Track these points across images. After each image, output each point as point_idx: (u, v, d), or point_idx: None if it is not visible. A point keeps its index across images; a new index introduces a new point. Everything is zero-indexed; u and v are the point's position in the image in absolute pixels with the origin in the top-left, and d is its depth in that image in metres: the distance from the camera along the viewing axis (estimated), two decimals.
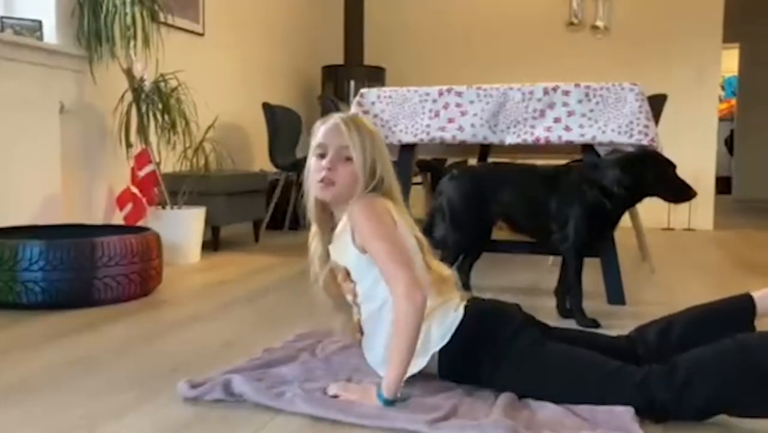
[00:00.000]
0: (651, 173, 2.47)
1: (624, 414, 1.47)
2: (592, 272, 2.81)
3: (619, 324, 2.43)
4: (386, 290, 1.62)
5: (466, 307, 1.71)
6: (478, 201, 2.66)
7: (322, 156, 1.69)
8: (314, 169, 1.69)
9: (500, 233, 2.80)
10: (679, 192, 2.51)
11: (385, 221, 1.65)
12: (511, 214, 2.66)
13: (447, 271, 1.80)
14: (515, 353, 1.64)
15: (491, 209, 2.65)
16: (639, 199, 2.57)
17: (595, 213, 2.52)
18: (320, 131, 1.71)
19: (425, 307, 1.56)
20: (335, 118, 1.71)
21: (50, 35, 3.45)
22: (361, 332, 1.78)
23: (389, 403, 1.54)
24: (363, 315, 1.75)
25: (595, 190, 2.50)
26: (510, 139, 2.99)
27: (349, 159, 1.67)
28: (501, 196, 2.63)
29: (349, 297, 1.78)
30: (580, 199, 2.52)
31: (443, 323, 1.67)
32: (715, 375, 1.49)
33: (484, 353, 1.66)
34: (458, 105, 3.04)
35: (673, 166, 2.51)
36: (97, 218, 3.72)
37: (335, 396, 1.60)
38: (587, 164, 2.70)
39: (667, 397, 1.49)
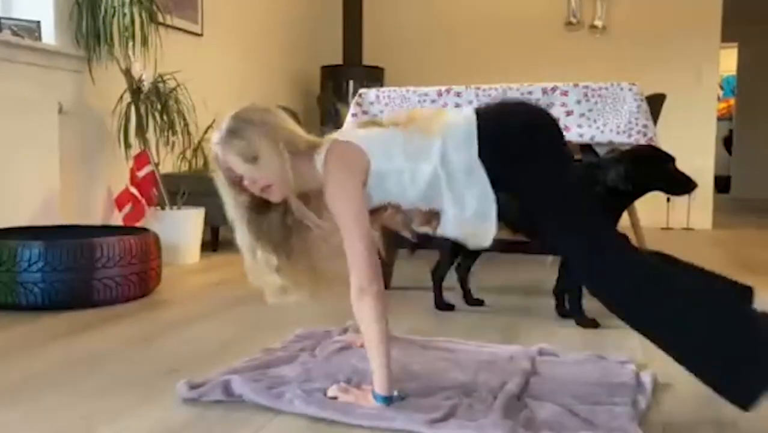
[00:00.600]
0: (654, 167, 2.48)
1: (623, 415, 1.48)
2: None
3: (618, 324, 2.43)
4: (422, 158, 1.65)
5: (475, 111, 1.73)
6: None
7: (240, 180, 1.70)
8: (251, 189, 1.69)
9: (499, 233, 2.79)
10: (680, 184, 2.53)
11: (355, 195, 1.62)
12: (509, 214, 2.65)
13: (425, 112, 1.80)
14: (537, 148, 1.69)
15: None
16: (640, 195, 2.58)
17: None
18: (224, 165, 1.75)
19: (380, 297, 1.56)
20: (215, 148, 1.78)
21: (49, 36, 3.44)
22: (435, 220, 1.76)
23: (387, 401, 1.54)
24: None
25: (596, 189, 2.50)
26: None
27: (255, 158, 1.65)
28: (500, 195, 2.63)
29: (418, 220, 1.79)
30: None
31: (456, 140, 1.67)
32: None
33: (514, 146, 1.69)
34: (457, 105, 3.04)
35: (672, 159, 2.53)
36: (96, 219, 3.72)
37: (334, 398, 1.60)
38: (587, 164, 2.70)
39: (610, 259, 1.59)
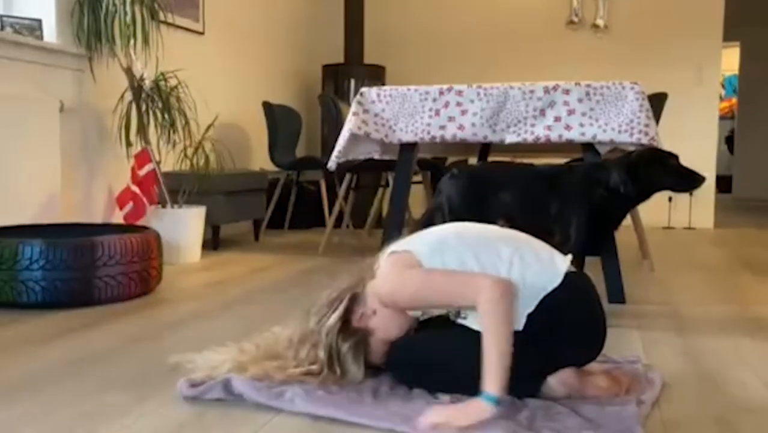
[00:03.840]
0: (657, 170, 2.49)
1: (629, 417, 1.46)
2: (592, 271, 2.80)
3: (619, 323, 2.44)
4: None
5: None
6: (478, 200, 2.66)
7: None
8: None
9: None
10: (685, 180, 2.52)
11: (408, 275, 1.63)
12: (512, 214, 2.65)
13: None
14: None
15: (492, 208, 2.64)
16: (646, 197, 2.57)
17: (599, 213, 2.51)
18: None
19: (515, 291, 1.53)
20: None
21: (50, 34, 3.44)
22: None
23: (498, 403, 1.44)
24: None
25: (599, 190, 2.50)
26: (510, 138, 2.99)
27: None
28: (502, 195, 2.63)
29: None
30: (584, 199, 2.51)
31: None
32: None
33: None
34: (459, 104, 3.04)
35: (674, 156, 2.52)
36: (97, 217, 3.72)
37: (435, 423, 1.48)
38: (592, 164, 2.69)
39: None
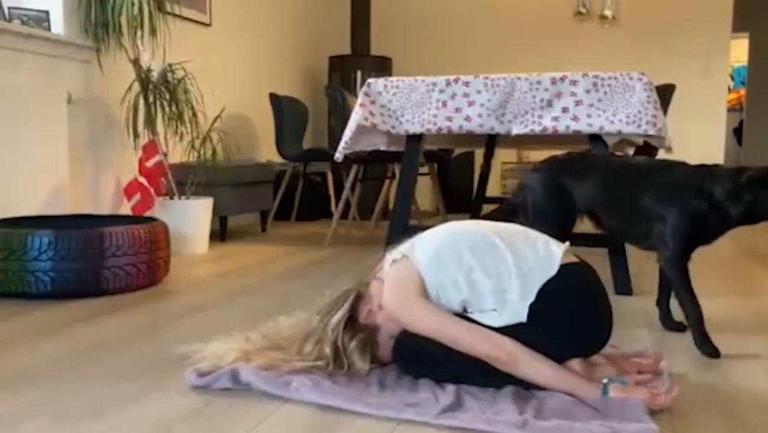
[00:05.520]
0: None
1: (636, 406, 1.47)
2: (598, 263, 2.80)
3: (626, 315, 2.43)
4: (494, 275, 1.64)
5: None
6: (562, 194, 2.44)
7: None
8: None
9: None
10: None
11: (416, 305, 1.64)
12: (596, 208, 2.40)
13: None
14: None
15: (576, 202, 2.42)
16: (749, 222, 2.22)
17: (696, 225, 2.22)
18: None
19: (517, 349, 1.56)
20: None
21: (57, 26, 3.45)
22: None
23: (605, 391, 1.54)
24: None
25: (699, 201, 2.18)
26: (517, 130, 2.98)
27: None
28: (587, 189, 2.39)
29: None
30: (682, 205, 2.20)
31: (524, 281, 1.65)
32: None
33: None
34: (465, 95, 3.03)
35: None
36: (105, 208, 3.74)
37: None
38: (697, 170, 2.25)
39: None
